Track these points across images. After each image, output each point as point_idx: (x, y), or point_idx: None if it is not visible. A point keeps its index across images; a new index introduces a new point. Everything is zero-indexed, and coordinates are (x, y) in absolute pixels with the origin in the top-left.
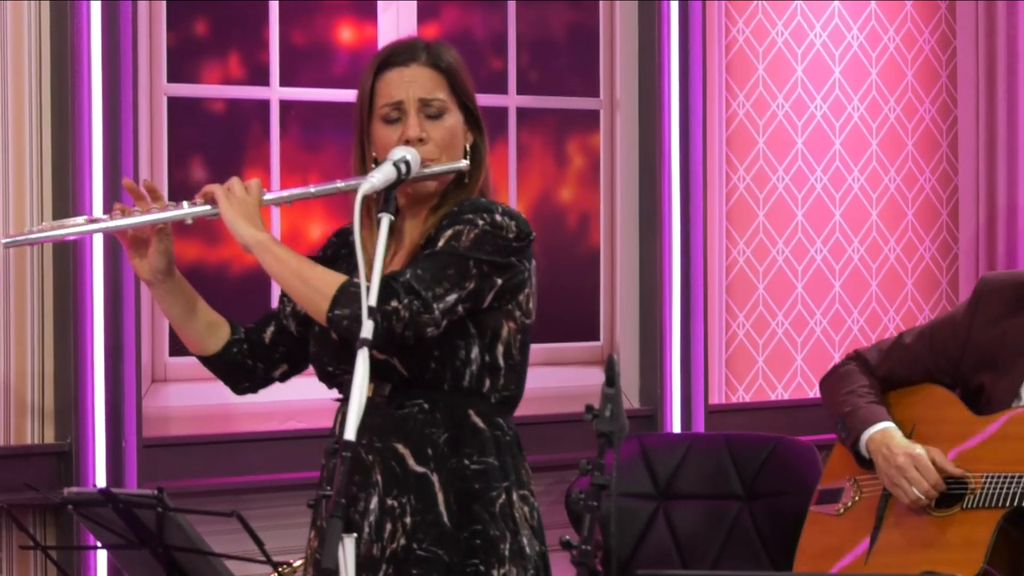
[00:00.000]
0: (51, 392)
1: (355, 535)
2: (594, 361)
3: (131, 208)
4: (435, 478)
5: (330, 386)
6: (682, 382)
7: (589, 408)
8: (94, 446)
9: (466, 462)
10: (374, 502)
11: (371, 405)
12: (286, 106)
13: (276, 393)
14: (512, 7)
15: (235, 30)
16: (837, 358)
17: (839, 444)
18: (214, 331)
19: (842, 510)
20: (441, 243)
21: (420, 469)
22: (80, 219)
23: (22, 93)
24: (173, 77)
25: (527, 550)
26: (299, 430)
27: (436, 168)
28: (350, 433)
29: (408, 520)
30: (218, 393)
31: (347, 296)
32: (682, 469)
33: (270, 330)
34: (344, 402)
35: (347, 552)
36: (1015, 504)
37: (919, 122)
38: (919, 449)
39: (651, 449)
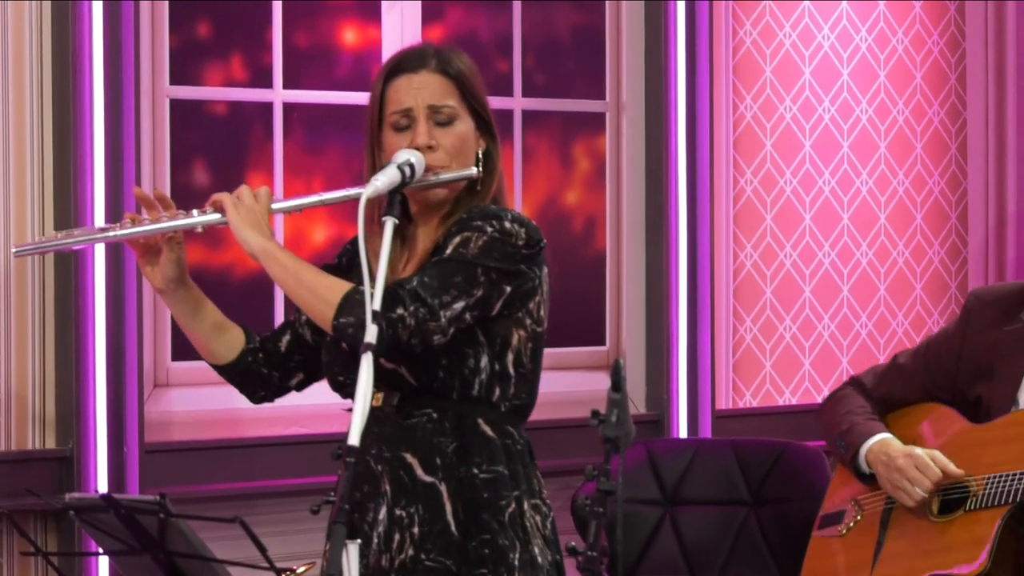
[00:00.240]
0: (52, 397)
1: (359, 541)
2: (600, 366)
3: (141, 217)
4: (443, 488)
5: (343, 396)
6: (689, 387)
7: (595, 413)
8: (96, 451)
9: (475, 471)
10: (383, 512)
11: (380, 415)
12: (289, 108)
13: (278, 398)
14: (517, 9)
15: (238, 32)
16: (845, 362)
17: (839, 468)
18: (227, 339)
19: (844, 531)
20: (449, 250)
21: (428, 479)
22: (90, 228)
23: (23, 95)
24: (175, 79)
25: (539, 560)
26: (302, 435)
27: (445, 176)
28: (354, 438)
29: (416, 530)
30: (220, 398)
31: (352, 303)
32: (689, 475)
33: (286, 339)
34: None
35: (351, 558)
36: (1018, 500)
37: (928, 125)
38: (918, 450)
39: (658, 454)
